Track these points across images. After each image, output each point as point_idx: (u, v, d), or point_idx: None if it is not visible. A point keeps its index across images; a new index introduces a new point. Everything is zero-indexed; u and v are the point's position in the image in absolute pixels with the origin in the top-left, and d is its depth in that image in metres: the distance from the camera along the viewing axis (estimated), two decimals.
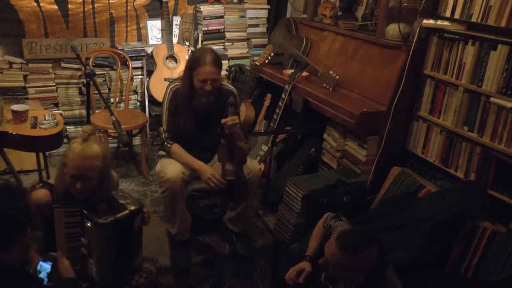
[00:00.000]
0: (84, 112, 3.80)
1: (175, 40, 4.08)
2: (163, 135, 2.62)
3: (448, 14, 2.56)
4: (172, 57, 3.85)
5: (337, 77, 3.11)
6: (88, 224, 1.95)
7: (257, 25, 4.34)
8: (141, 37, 4.07)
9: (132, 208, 2.03)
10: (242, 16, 4.25)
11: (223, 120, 2.40)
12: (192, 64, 2.53)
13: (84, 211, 1.96)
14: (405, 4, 2.84)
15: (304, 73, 3.34)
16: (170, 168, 2.49)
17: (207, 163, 2.67)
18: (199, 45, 4.08)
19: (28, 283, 1.38)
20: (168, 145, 2.59)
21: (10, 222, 1.39)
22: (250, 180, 2.58)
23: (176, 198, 2.50)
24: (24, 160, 3.39)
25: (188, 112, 2.58)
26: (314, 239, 2.19)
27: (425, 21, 2.63)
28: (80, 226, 1.99)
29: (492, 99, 2.35)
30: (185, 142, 2.61)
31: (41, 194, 2.02)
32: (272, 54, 3.62)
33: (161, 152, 2.72)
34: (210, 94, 2.52)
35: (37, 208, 2.01)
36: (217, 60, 2.52)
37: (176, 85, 2.63)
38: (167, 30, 3.81)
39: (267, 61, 3.63)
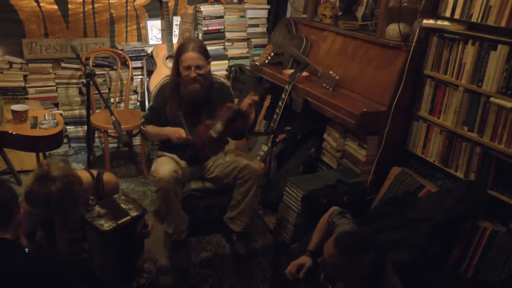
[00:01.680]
0: (84, 112, 3.80)
1: (175, 40, 4.08)
2: (141, 119, 2.74)
3: (448, 14, 2.56)
4: (172, 57, 3.85)
5: (337, 77, 3.11)
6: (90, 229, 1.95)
7: (257, 25, 4.34)
8: (141, 37, 4.07)
9: (134, 214, 2.02)
10: (242, 16, 4.25)
11: (244, 102, 2.46)
12: (177, 52, 2.58)
13: (86, 217, 1.95)
14: (405, 4, 2.84)
15: (304, 73, 3.34)
16: (162, 167, 2.51)
17: (202, 162, 2.71)
18: None
19: (23, 252, 1.69)
20: (143, 127, 2.71)
21: (9, 204, 1.66)
22: (251, 174, 2.62)
23: (170, 198, 2.50)
24: (24, 160, 3.38)
25: (176, 102, 2.61)
26: (317, 234, 2.19)
27: (425, 21, 2.63)
28: (81, 231, 1.99)
29: (492, 99, 2.35)
30: None
31: None
32: (272, 54, 3.61)
33: (159, 152, 2.73)
34: (195, 82, 2.54)
35: (31, 211, 2.02)
36: (201, 47, 2.56)
37: (166, 79, 2.69)
38: (167, 30, 3.81)
39: (267, 61, 3.63)
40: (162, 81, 2.70)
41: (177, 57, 2.59)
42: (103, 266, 2.00)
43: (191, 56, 2.52)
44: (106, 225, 1.91)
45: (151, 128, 2.68)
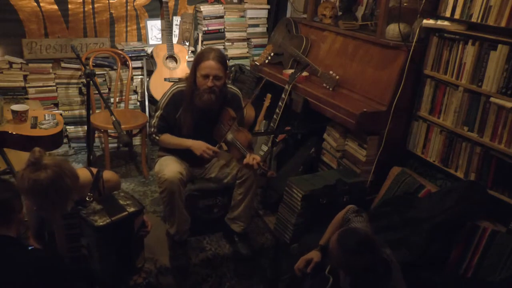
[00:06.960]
0: (84, 112, 3.80)
1: (175, 40, 4.08)
2: (152, 129, 2.65)
3: (448, 14, 2.56)
4: (172, 57, 3.85)
5: (337, 77, 3.11)
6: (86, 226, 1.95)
7: (257, 25, 4.34)
8: (141, 37, 4.07)
9: (132, 210, 2.00)
10: (242, 16, 4.25)
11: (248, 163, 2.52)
12: (197, 60, 2.54)
13: (82, 213, 1.95)
14: (405, 4, 2.84)
15: (304, 73, 3.34)
16: (168, 168, 2.50)
17: (203, 166, 2.70)
18: (199, 45, 4.09)
19: (25, 250, 1.72)
20: (157, 137, 2.64)
21: (11, 202, 1.69)
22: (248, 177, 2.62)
23: (175, 198, 2.50)
24: (24, 160, 3.34)
25: (189, 111, 2.58)
26: (331, 229, 2.19)
27: (425, 21, 2.63)
28: (79, 227, 1.99)
29: (492, 99, 2.35)
30: None
31: None
32: (272, 54, 3.61)
33: (160, 153, 2.73)
34: (211, 92, 2.50)
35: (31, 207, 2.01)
36: (221, 58, 2.52)
37: (178, 87, 2.63)
38: (167, 30, 3.81)
39: (267, 61, 3.63)
40: (174, 87, 2.63)
41: (195, 64, 2.53)
42: (101, 262, 2.00)
43: (211, 65, 2.47)
44: (100, 220, 1.89)
45: (167, 137, 2.63)
